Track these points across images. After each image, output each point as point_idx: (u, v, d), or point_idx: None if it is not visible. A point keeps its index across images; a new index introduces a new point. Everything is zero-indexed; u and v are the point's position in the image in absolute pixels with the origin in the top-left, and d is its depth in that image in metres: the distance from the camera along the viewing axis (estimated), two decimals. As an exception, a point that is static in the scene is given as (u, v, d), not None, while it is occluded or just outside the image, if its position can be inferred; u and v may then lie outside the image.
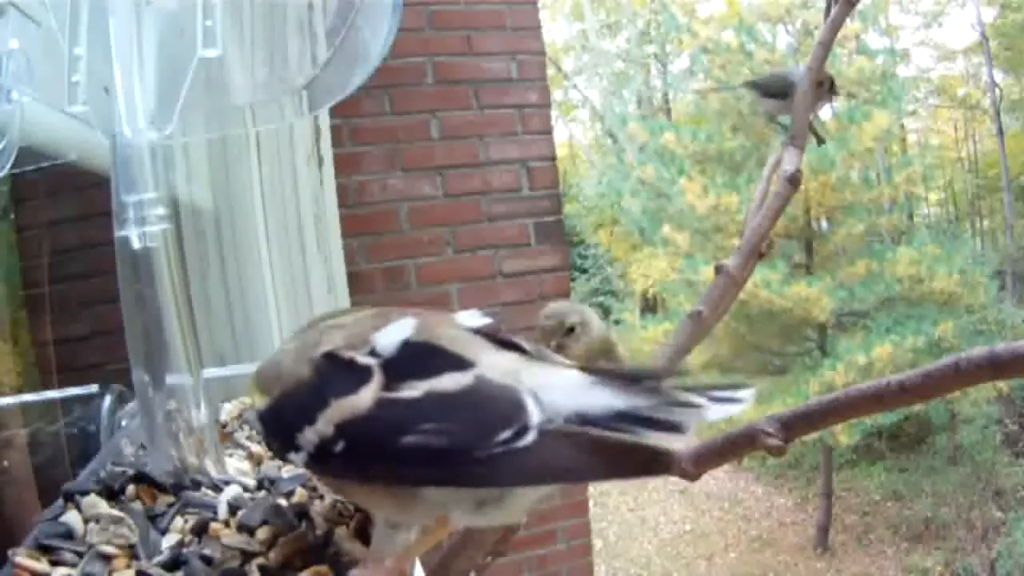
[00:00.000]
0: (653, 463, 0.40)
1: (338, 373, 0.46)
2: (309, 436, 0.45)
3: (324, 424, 0.44)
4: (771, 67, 7.88)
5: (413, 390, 0.43)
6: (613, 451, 0.40)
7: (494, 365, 0.44)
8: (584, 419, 0.41)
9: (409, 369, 0.45)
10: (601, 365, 0.58)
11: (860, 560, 8.59)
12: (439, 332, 0.47)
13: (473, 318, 0.50)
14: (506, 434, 0.40)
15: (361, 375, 0.45)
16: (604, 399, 0.41)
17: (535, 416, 0.41)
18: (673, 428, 0.40)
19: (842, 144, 7.34)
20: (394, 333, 0.47)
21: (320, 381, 0.46)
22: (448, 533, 0.50)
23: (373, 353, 0.46)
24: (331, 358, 0.47)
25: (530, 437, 0.40)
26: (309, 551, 0.54)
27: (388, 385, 0.44)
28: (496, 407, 0.42)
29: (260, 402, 0.51)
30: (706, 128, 8.62)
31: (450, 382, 0.43)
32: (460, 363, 0.45)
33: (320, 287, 1.43)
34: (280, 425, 0.48)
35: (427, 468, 0.42)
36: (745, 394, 0.42)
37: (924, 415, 8.76)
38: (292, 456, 0.48)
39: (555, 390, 0.42)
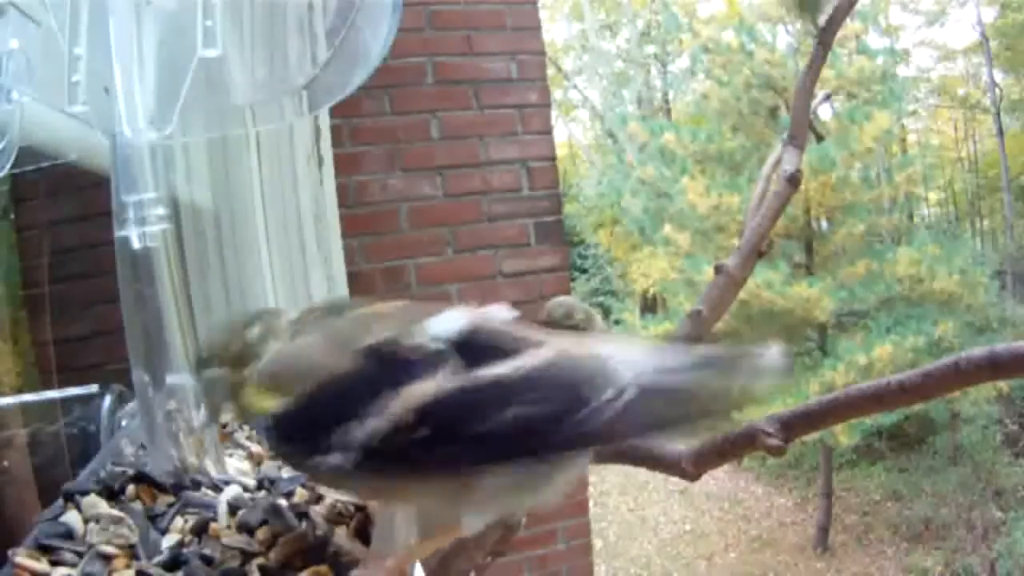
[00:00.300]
0: (737, 403, 0.44)
1: (403, 360, 0.44)
2: (371, 427, 0.43)
3: (399, 410, 0.43)
4: (771, 67, 7.90)
5: (500, 368, 0.43)
6: (702, 399, 0.43)
7: (562, 342, 0.45)
8: (666, 372, 0.43)
9: (482, 351, 0.44)
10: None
11: (860, 560, 8.58)
12: (490, 319, 0.47)
13: (504, 311, 0.49)
14: (609, 394, 0.42)
15: (433, 360, 0.44)
16: (673, 356, 0.44)
17: (627, 376, 0.42)
18: (743, 369, 0.45)
19: (842, 144, 7.34)
20: (452, 320, 0.46)
21: (380, 370, 0.44)
22: (454, 537, 0.50)
23: (435, 340, 0.45)
24: (389, 347, 0.45)
25: (630, 392, 0.42)
26: (309, 551, 0.54)
27: (468, 367, 0.43)
28: (588, 373, 0.43)
29: (273, 405, 0.47)
30: (706, 128, 8.62)
31: (532, 359, 0.43)
32: (529, 343, 0.44)
33: (320, 287, 1.43)
34: (315, 423, 0.45)
35: (534, 438, 0.42)
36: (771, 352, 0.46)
37: (925, 415, 8.76)
38: (330, 459, 0.44)
39: (627, 355, 0.44)
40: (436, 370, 0.43)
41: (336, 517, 0.59)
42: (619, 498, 10.21)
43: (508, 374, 0.43)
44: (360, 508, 0.61)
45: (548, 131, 2.54)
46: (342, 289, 1.49)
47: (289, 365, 0.48)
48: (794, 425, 0.53)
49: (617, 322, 11.58)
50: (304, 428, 0.46)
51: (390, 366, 0.44)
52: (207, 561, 0.53)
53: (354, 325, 0.48)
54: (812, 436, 6.49)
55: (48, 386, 1.02)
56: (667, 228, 8.21)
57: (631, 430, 0.43)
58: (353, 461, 0.44)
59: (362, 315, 0.50)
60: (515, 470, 0.44)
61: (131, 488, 0.60)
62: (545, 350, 0.44)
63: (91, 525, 0.55)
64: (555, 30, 15.18)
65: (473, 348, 0.44)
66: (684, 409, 0.44)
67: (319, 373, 0.45)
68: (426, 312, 0.48)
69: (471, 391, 0.43)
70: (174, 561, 0.53)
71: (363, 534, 0.58)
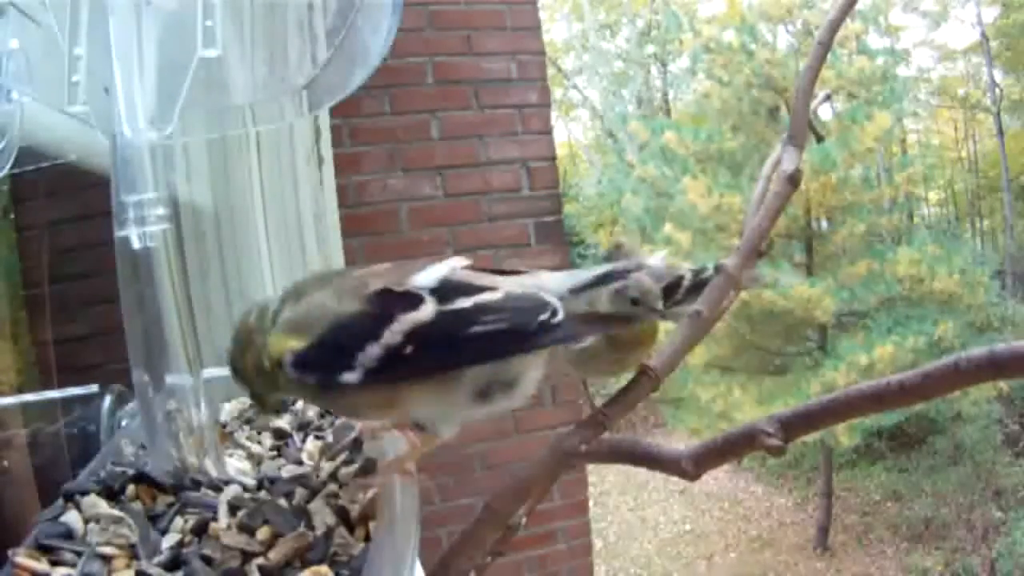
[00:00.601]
0: (632, 308, 0.61)
1: (396, 301, 0.58)
2: (372, 351, 0.56)
3: (391, 336, 0.57)
4: (772, 67, 7.89)
5: (462, 303, 0.58)
6: (601, 316, 0.62)
7: (509, 283, 0.61)
8: (576, 289, 0.61)
9: (452, 294, 0.59)
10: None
11: (860, 560, 8.58)
12: (460, 271, 0.62)
13: (464, 260, 0.64)
14: (544, 316, 0.59)
15: (415, 300, 0.58)
16: (579, 277, 0.63)
17: (556, 302, 0.59)
18: (631, 273, 0.62)
19: (843, 144, 7.33)
20: (432, 272, 0.60)
21: (380, 308, 0.58)
22: (437, 444, 0.63)
23: (417, 287, 0.59)
24: (386, 291, 0.59)
25: (560, 315, 0.59)
26: (309, 551, 0.54)
27: (440, 303, 0.58)
28: (530, 303, 0.59)
29: (297, 344, 0.58)
30: (707, 128, 8.62)
31: (488, 296, 0.59)
32: (485, 288, 0.60)
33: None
34: (332, 353, 0.58)
35: (494, 346, 0.58)
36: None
37: (925, 415, 8.75)
38: (344, 376, 0.57)
39: (551, 284, 0.62)
40: (419, 306, 0.58)
41: (337, 514, 0.59)
42: (619, 498, 10.21)
43: (469, 306, 0.58)
44: (363, 509, 0.61)
45: (548, 131, 2.54)
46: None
47: (307, 313, 0.59)
48: (794, 425, 0.53)
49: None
50: (322, 358, 0.58)
51: (386, 306, 0.58)
52: (207, 561, 0.53)
53: (356, 281, 0.61)
54: (812, 436, 6.49)
55: (48, 386, 1.02)
56: (668, 227, 8.20)
57: (565, 336, 0.60)
58: (360, 378, 0.57)
59: (360, 274, 0.62)
60: (481, 372, 0.59)
61: (131, 488, 0.60)
62: (496, 293, 0.60)
63: (91, 525, 0.55)
64: (555, 30, 15.19)
65: (447, 291, 0.59)
66: (590, 323, 0.61)
67: (333, 316, 0.58)
68: (412, 268, 0.61)
69: (447, 316, 0.58)
70: (174, 561, 0.53)
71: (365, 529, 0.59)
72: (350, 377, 0.57)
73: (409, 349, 0.56)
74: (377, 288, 0.59)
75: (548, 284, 0.62)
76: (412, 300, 0.58)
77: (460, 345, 0.58)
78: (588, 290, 0.62)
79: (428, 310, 0.57)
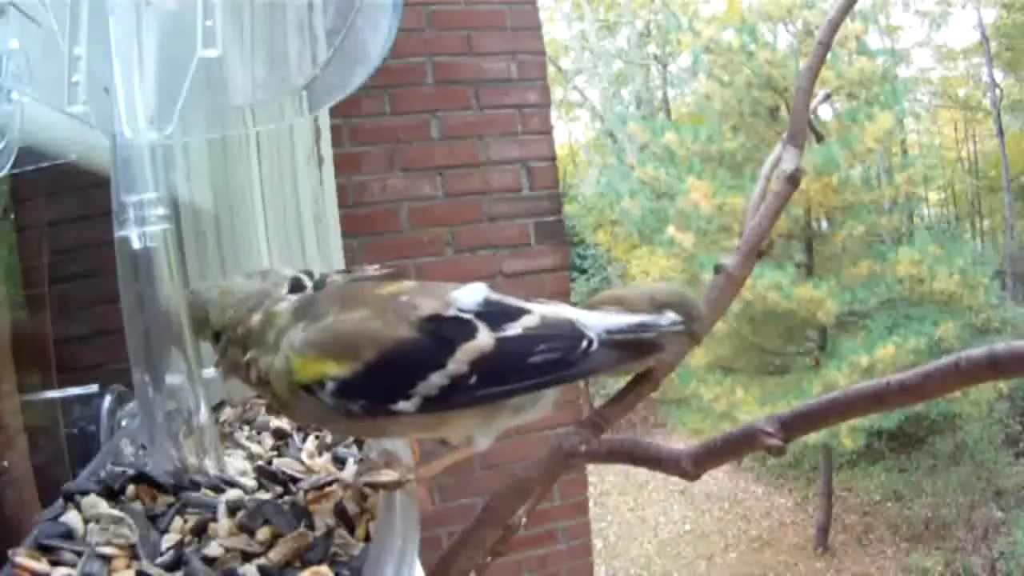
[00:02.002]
0: (656, 348, 0.64)
1: (449, 327, 0.58)
2: (435, 380, 0.56)
3: (456, 366, 0.57)
4: (772, 67, 7.89)
5: (514, 329, 0.59)
6: (634, 346, 0.63)
7: (542, 308, 0.61)
8: (613, 331, 0.61)
9: (496, 318, 0.59)
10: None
11: (860, 560, 8.58)
12: (492, 291, 0.62)
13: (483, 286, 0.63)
14: (584, 344, 0.60)
15: (468, 325, 0.58)
16: (620, 320, 0.63)
17: (592, 332, 0.60)
18: (660, 329, 0.63)
19: (843, 145, 7.33)
20: (473, 294, 0.60)
21: (437, 335, 0.57)
22: (470, 454, 0.64)
23: (462, 310, 0.59)
24: (436, 318, 0.58)
25: (596, 344, 0.60)
26: (309, 551, 0.54)
27: (493, 329, 0.58)
28: (569, 331, 0.60)
29: (339, 371, 0.56)
30: (707, 128, 8.61)
31: (529, 321, 0.60)
32: (523, 311, 0.60)
33: (320, 287, 1.42)
34: (386, 380, 0.57)
35: (546, 375, 0.59)
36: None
37: (925, 415, 8.75)
38: (399, 405, 0.56)
39: (587, 318, 0.62)
40: (475, 332, 0.58)
41: (337, 514, 0.59)
42: (619, 498, 10.21)
43: (522, 333, 0.59)
44: (364, 509, 0.61)
45: (548, 131, 2.54)
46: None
47: (344, 335, 0.58)
48: (794, 425, 0.53)
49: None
50: (374, 386, 0.57)
51: (442, 332, 0.58)
52: (207, 561, 0.53)
53: (387, 301, 0.60)
54: (814, 437, 6.49)
55: (48, 386, 1.02)
56: (671, 229, 8.19)
57: (601, 367, 0.61)
58: (417, 407, 0.56)
59: (388, 292, 0.61)
60: (525, 395, 0.60)
61: (131, 488, 0.60)
62: (533, 316, 0.60)
63: (91, 525, 0.55)
64: (555, 30, 15.18)
65: (491, 315, 0.59)
66: (627, 354, 0.63)
67: (385, 341, 0.57)
68: (440, 289, 0.61)
69: (506, 344, 0.58)
70: (174, 561, 0.53)
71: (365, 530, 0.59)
72: (406, 406, 0.57)
73: (474, 379, 0.57)
74: (426, 313, 0.58)
75: (584, 318, 0.63)
76: (464, 326, 0.58)
77: (521, 374, 0.58)
78: (624, 335, 0.63)
79: (486, 338, 0.58)
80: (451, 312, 0.59)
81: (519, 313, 0.60)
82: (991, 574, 7.91)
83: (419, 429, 0.62)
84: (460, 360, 0.56)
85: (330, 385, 0.56)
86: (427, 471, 0.65)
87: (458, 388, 0.57)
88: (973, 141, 15.24)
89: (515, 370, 0.58)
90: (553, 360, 0.58)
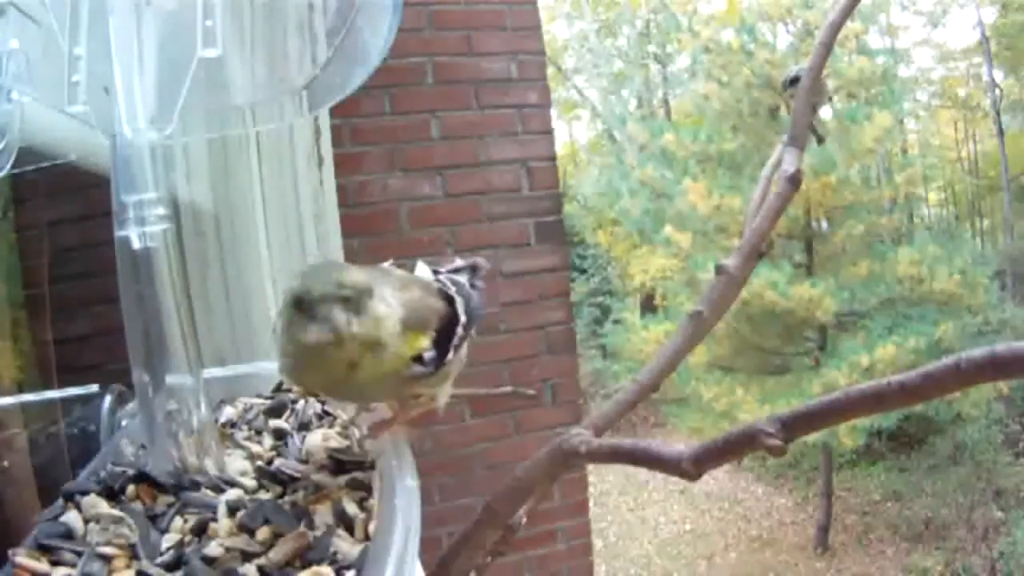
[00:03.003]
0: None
1: (446, 294, 0.72)
2: (459, 333, 0.70)
3: (464, 320, 0.71)
4: (772, 67, 7.89)
5: (470, 292, 0.76)
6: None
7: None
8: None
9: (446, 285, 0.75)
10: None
11: (860, 560, 8.59)
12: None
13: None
14: (467, 288, 0.76)
15: (448, 291, 0.73)
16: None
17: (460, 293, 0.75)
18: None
19: (843, 145, 7.33)
20: (426, 270, 0.76)
21: (449, 301, 0.72)
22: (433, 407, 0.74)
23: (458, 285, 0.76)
24: (440, 289, 0.73)
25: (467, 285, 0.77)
26: (309, 551, 0.54)
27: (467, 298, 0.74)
28: (474, 299, 0.76)
29: (425, 340, 0.67)
30: (706, 129, 8.62)
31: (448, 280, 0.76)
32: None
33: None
34: (449, 339, 0.69)
35: (479, 317, 0.75)
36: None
37: (925, 415, 8.75)
38: (450, 356, 0.69)
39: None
40: (453, 295, 0.72)
41: (337, 514, 0.59)
42: (619, 498, 10.22)
43: (459, 289, 0.74)
44: (364, 509, 0.61)
45: (548, 131, 2.54)
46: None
47: (419, 309, 0.68)
48: (794, 425, 0.53)
49: (617, 322, 11.58)
50: (446, 342, 0.69)
51: (448, 298, 0.72)
52: (207, 561, 0.53)
53: (412, 278, 0.73)
54: (815, 437, 6.49)
55: (48, 386, 1.02)
56: (668, 229, 8.20)
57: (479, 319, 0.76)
58: (453, 352, 0.70)
59: (413, 276, 0.76)
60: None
61: (131, 488, 0.60)
62: (443, 275, 0.76)
63: (91, 525, 0.55)
64: (555, 30, 15.18)
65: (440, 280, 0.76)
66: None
67: (439, 310, 0.70)
68: (413, 271, 0.75)
69: (468, 300, 0.74)
70: (174, 561, 0.53)
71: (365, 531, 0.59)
72: (448, 358, 0.69)
73: (461, 330, 0.71)
74: (436, 285, 0.74)
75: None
76: (447, 291, 0.72)
77: (477, 320, 0.74)
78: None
79: (459, 298, 0.73)
80: (452, 288, 0.74)
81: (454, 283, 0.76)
82: (991, 574, 7.91)
83: (429, 385, 0.71)
84: (463, 315, 0.71)
85: (428, 354, 0.67)
86: (404, 416, 0.73)
87: (462, 338, 0.71)
88: (973, 141, 15.24)
89: (476, 317, 0.74)
90: (477, 304, 0.75)
